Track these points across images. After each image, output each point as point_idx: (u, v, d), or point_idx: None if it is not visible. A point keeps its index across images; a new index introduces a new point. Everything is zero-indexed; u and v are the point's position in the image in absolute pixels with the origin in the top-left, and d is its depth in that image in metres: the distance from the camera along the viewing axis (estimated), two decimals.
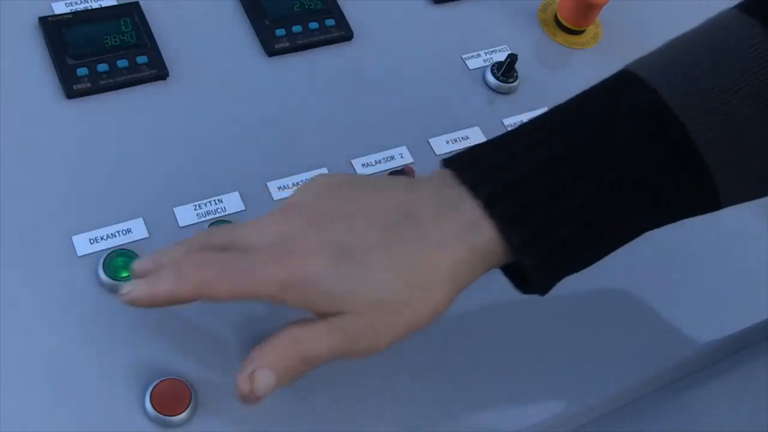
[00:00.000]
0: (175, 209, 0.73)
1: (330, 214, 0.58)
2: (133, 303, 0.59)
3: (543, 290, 0.63)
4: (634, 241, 0.81)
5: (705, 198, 0.63)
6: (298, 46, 0.85)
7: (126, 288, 0.60)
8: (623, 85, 0.64)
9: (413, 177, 0.76)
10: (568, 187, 0.59)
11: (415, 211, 0.58)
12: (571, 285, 0.78)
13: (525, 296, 0.72)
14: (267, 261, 0.56)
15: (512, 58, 0.87)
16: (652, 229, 0.64)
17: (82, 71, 0.77)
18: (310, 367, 0.58)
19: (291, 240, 0.57)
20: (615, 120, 0.61)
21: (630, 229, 0.64)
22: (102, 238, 0.70)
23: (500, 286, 0.77)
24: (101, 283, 0.68)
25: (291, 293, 0.56)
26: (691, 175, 0.61)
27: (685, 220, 0.66)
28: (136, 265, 0.62)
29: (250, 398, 0.57)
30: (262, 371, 0.56)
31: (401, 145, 0.82)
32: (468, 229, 0.58)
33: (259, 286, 0.57)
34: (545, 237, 0.59)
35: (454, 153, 0.63)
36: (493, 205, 0.58)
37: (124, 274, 0.68)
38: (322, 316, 0.57)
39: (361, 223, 0.58)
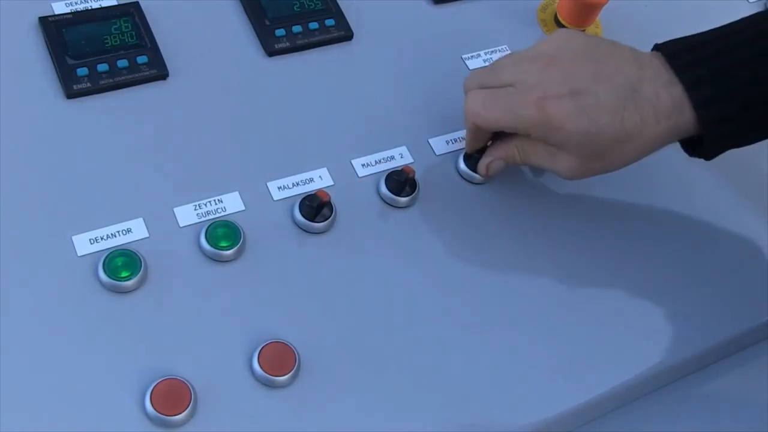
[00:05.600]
0: (175, 209, 0.73)
1: (580, 74, 0.73)
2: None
3: (710, 158, 0.77)
4: (631, 239, 0.81)
5: None
6: (298, 46, 0.85)
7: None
8: None
9: (414, 176, 0.77)
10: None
11: (640, 88, 0.72)
12: (572, 283, 0.78)
13: (525, 295, 0.73)
14: (525, 102, 0.73)
15: None
16: None
17: (82, 71, 0.77)
18: (523, 164, 0.79)
19: (546, 88, 0.72)
20: None
21: None
22: (102, 238, 0.70)
23: (499, 288, 0.77)
24: (101, 283, 0.68)
25: (537, 130, 0.73)
26: None
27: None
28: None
29: (486, 176, 0.80)
30: (498, 161, 0.79)
31: (401, 145, 0.82)
32: (675, 110, 0.72)
33: (514, 121, 0.74)
34: (733, 119, 0.73)
35: (668, 40, 0.75)
36: (693, 91, 0.72)
37: (124, 274, 0.68)
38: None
39: (602, 87, 0.72)
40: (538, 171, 0.84)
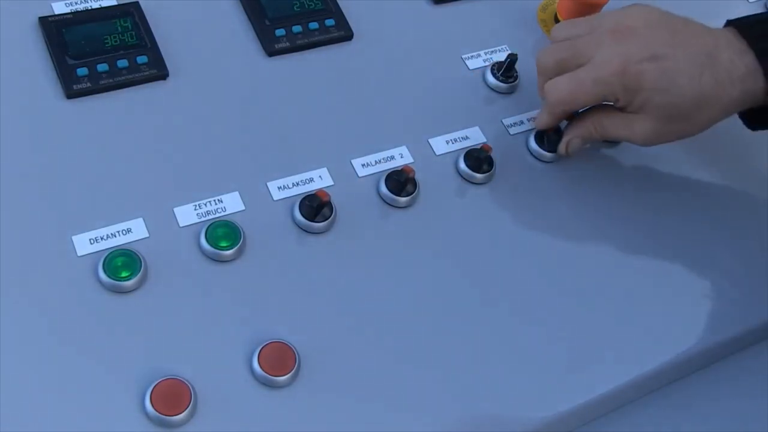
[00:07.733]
0: (175, 209, 0.73)
1: (658, 41, 0.76)
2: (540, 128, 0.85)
3: None
4: (629, 240, 0.81)
5: None
6: (298, 46, 0.85)
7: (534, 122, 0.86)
8: None
9: (414, 176, 0.77)
10: None
11: (716, 55, 0.76)
12: (570, 284, 0.78)
13: (524, 297, 0.73)
14: (610, 70, 0.76)
15: (512, 58, 0.87)
16: None
17: (82, 71, 0.77)
18: (600, 139, 0.84)
19: (628, 55, 0.76)
20: None
21: None
22: (102, 238, 0.70)
23: (499, 288, 0.77)
24: (101, 283, 0.68)
25: (624, 93, 0.77)
26: None
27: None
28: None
29: (566, 155, 0.84)
30: (576, 139, 0.83)
31: (401, 145, 0.82)
32: (749, 76, 0.76)
33: (603, 91, 0.78)
34: None
35: (739, 17, 0.79)
36: (763, 58, 0.76)
37: (124, 274, 0.68)
38: (623, 109, 0.79)
39: (680, 53, 0.76)
40: (537, 171, 0.84)
